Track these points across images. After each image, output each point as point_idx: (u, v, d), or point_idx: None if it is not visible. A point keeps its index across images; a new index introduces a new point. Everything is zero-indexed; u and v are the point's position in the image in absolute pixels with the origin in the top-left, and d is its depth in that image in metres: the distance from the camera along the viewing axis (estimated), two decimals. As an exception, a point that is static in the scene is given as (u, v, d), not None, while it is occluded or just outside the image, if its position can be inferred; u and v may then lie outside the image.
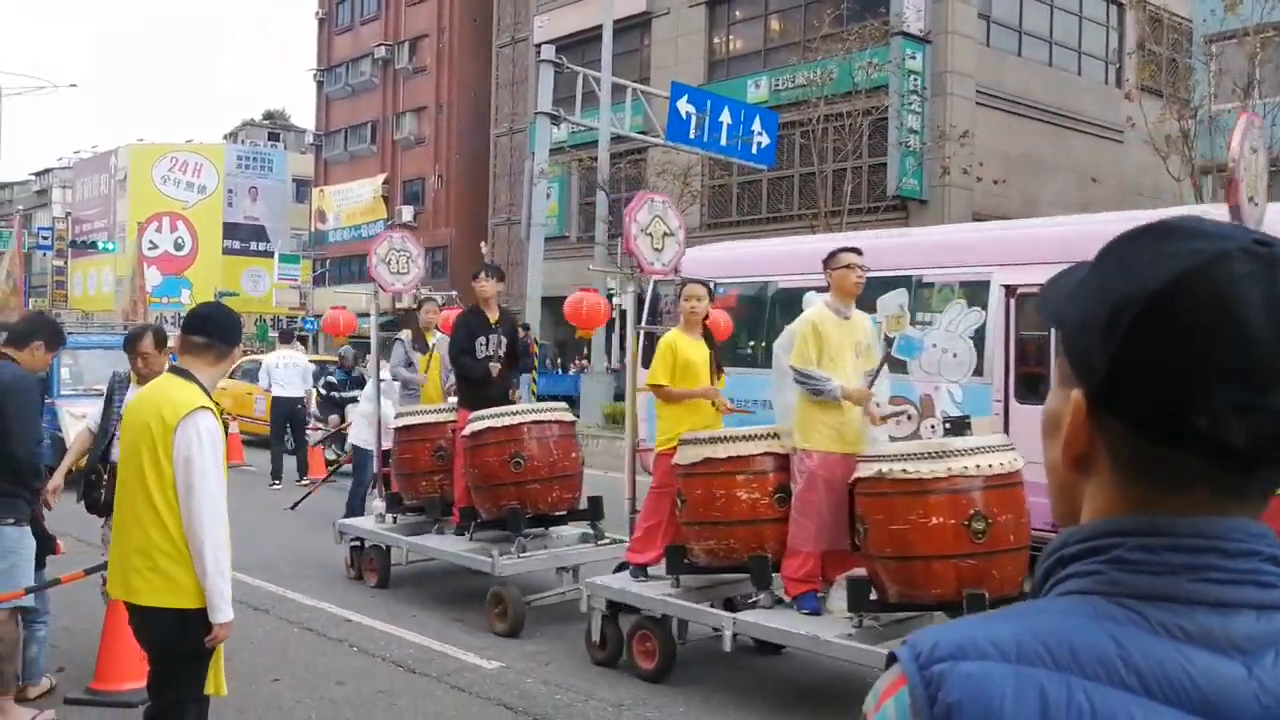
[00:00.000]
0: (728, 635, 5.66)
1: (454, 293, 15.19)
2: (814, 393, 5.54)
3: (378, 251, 8.88)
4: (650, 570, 6.42)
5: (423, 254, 9.29)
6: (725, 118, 19.83)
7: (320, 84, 48.11)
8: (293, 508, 11.52)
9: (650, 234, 6.93)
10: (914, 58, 22.91)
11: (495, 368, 7.80)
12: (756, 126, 20.22)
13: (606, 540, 7.60)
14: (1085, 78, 26.49)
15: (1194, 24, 21.10)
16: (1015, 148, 23.99)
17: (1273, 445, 0.83)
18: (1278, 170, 18.47)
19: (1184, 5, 22.96)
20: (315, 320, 43.91)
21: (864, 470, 5.19)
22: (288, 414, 14.64)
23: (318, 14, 48.47)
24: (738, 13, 28.41)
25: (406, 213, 41.90)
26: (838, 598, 5.55)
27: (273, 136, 64.67)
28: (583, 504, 7.70)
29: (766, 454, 5.78)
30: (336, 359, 16.81)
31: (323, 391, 15.17)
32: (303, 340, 32.73)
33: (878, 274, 8.33)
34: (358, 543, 8.63)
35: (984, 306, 8.85)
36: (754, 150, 20.22)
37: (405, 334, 9.57)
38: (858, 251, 5.83)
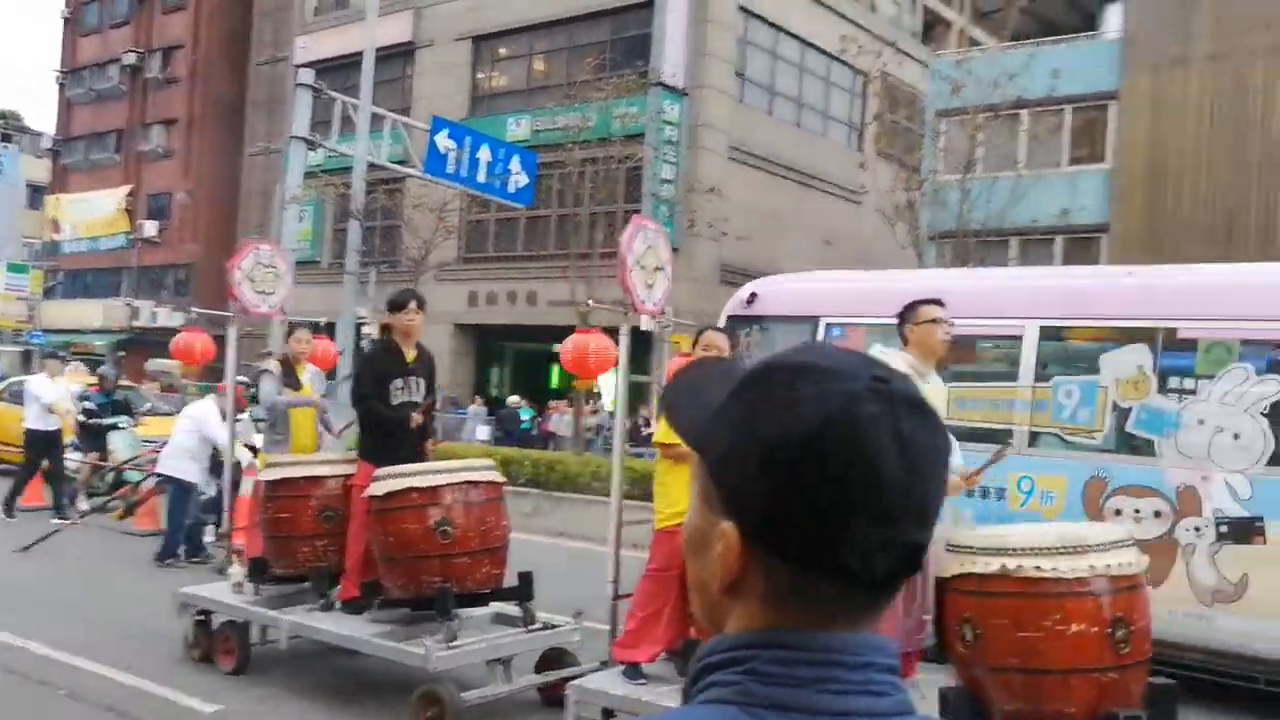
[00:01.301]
0: None
1: (320, 321, 14.07)
2: None
3: (241, 266, 7.65)
4: (645, 669, 5.25)
5: (292, 270, 8.00)
6: (484, 154, 19.46)
7: (62, 86, 44.61)
8: (25, 549, 10.13)
9: (644, 266, 5.87)
10: (670, 109, 23.35)
11: (416, 418, 6.36)
12: (515, 166, 19.94)
13: (538, 625, 6.21)
14: (829, 140, 27.46)
15: (928, 99, 22.51)
16: (763, 203, 24.67)
17: (905, 570, 0.89)
18: (991, 242, 20.15)
19: (923, 80, 24.47)
20: (42, 334, 40.61)
21: (978, 564, 4.24)
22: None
23: (63, 13, 45.18)
24: (502, 50, 28.05)
25: (150, 228, 39.32)
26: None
27: (4, 137, 59.76)
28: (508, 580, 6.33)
29: None
30: (96, 380, 15.16)
31: (81, 418, 13.19)
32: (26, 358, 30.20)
33: (1100, 323, 7.07)
34: (203, 617, 6.88)
35: None
36: (512, 189, 19.96)
37: (273, 364, 7.98)
38: (940, 303, 5.00)
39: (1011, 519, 6.69)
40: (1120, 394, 6.95)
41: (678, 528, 5.09)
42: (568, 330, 20.59)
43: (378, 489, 5.92)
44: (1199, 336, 6.86)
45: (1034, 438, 7.24)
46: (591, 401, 23.78)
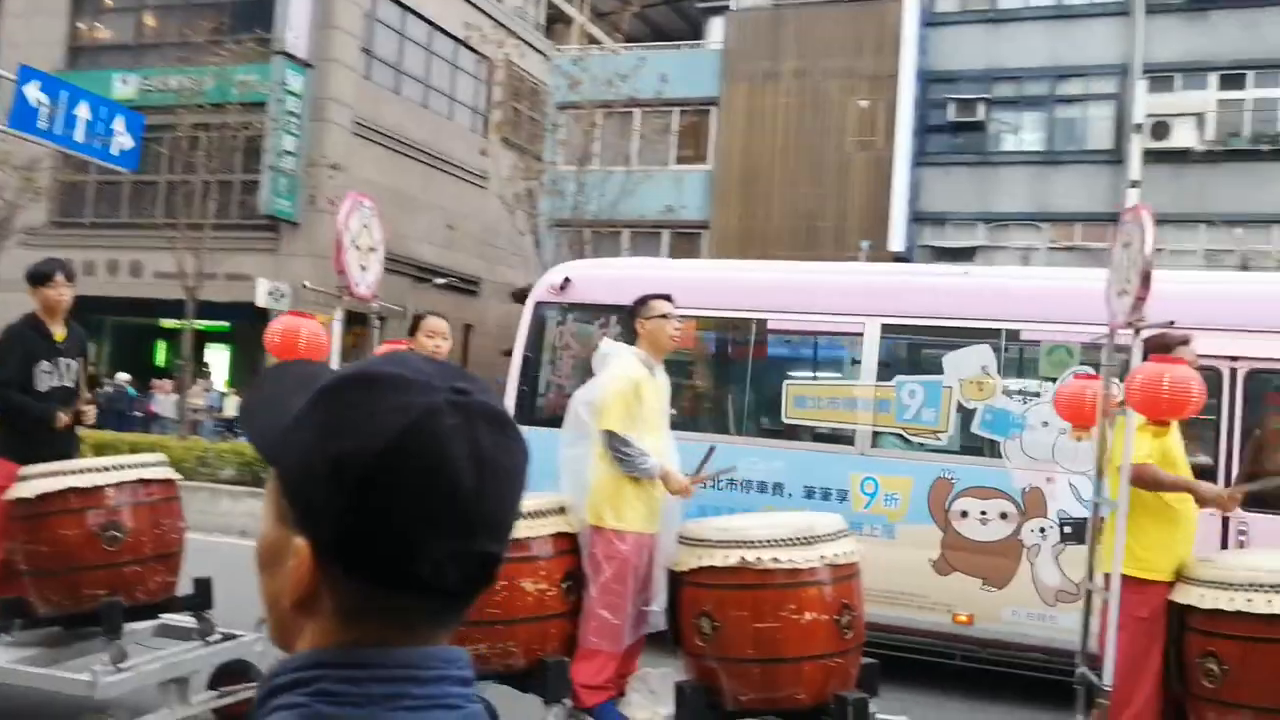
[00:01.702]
0: None
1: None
2: (627, 468, 4.58)
3: None
4: None
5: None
6: (83, 111, 17.82)
7: None
8: None
9: (359, 247, 5.39)
10: (294, 80, 22.62)
11: (63, 419, 5.49)
12: (119, 126, 18.42)
13: (218, 636, 5.42)
14: (456, 124, 27.47)
15: (549, 91, 23.32)
16: (389, 182, 24.39)
17: (478, 581, 0.89)
18: (604, 232, 21.30)
19: (545, 72, 25.23)
20: None
21: (716, 558, 4.25)
22: None
23: None
24: (108, 0, 26.18)
25: None
26: (643, 705, 4.61)
27: None
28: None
29: (557, 534, 4.59)
30: None
31: None
32: None
33: (942, 322, 6.94)
34: None
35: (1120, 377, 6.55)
36: (115, 151, 18.60)
37: None
38: (670, 299, 4.93)
39: (856, 523, 6.13)
40: (964, 394, 6.83)
41: None
42: (176, 304, 19.56)
43: (26, 490, 5.06)
44: (1041, 339, 6.88)
45: (876, 438, 7.03)
46: (200, 380, 22.67)
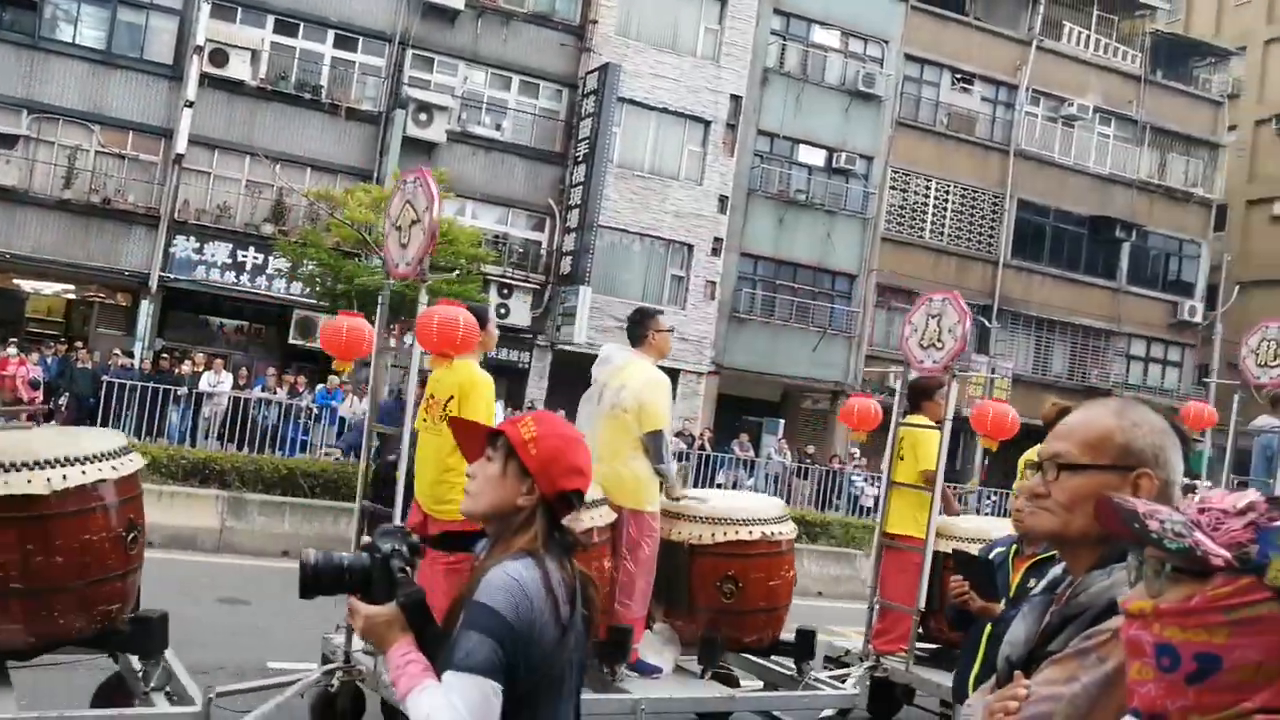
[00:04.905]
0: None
1: None
2: (664, 465, 5.16)
3: None
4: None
5: None
6: None
7: None
8: None
9: (398, 226, 4.87)
10: None
11: None
12: None
13: None
14: None
15: None
16: None
17: None
18: None
19: None
20: None
21: (740, 533, 5.40)
22: None
23: None
24: None
25: None
26: (653, 651, 5.38)
27: None
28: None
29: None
30: None
31: None
32: None
33: None
34: None
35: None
36: None
37: None
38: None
39: None
40: None
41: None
42: None
43: None
44: None
45: None
46: None
